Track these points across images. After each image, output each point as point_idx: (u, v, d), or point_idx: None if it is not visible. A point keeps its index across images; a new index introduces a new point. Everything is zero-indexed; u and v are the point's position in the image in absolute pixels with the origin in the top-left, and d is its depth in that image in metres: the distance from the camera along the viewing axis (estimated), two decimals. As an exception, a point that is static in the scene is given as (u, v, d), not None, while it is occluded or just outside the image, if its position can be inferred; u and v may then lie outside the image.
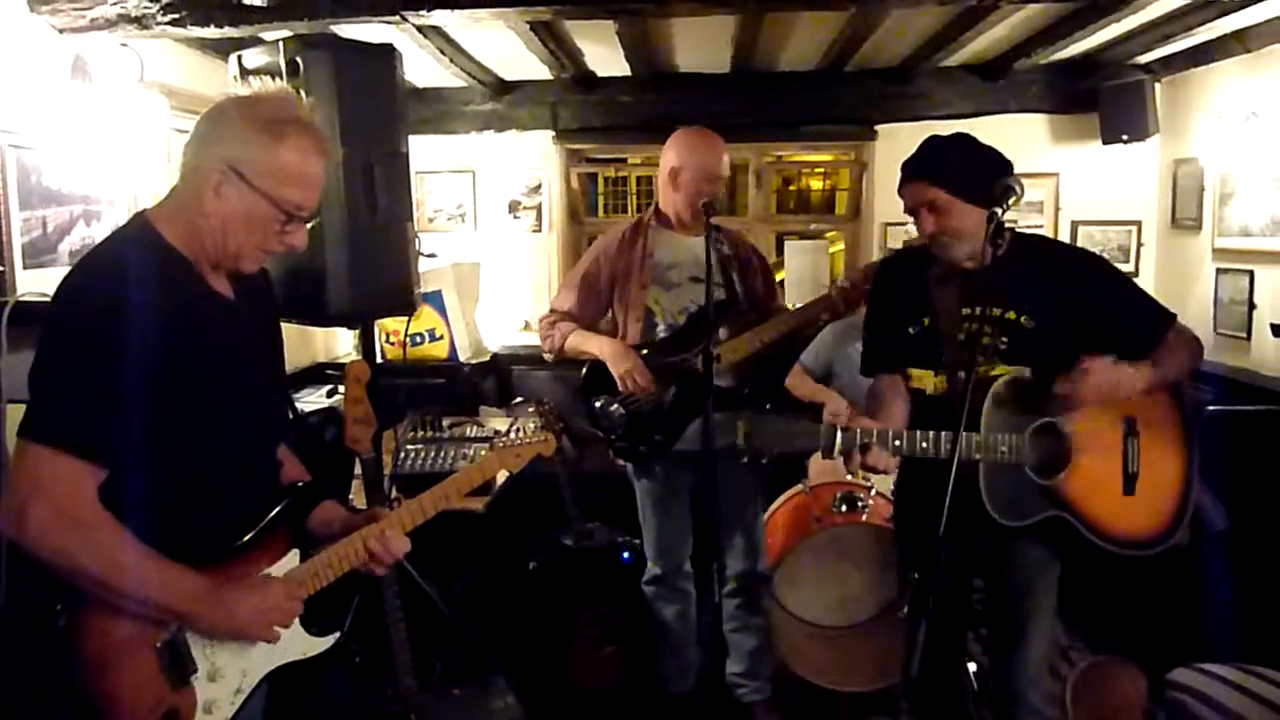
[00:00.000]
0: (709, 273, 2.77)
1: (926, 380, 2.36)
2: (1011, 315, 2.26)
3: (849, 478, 3.76)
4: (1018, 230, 2.41)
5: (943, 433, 2.12)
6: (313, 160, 1.72)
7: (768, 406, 3.14)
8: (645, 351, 3.07)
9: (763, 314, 3.15)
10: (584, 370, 3.17)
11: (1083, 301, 2.26)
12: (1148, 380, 2.22)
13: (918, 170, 2.27)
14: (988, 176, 2.18)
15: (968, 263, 2.28)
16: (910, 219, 2.32)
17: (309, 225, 1.78)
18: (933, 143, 2.31)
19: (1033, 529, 2.24)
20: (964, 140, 2.30)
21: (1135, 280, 2.38)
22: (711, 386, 2.63)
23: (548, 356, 3.27)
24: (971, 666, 3.28)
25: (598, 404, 3.09)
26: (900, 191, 2.31)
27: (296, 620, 1.79)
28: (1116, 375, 2.18)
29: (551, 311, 3.28)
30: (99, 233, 3.26)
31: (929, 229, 2.26)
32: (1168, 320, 2.32)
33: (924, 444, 2.13)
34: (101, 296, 1.57)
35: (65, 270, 3.03)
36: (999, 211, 2.04)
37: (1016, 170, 2.28)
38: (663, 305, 3.10)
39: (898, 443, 2.13)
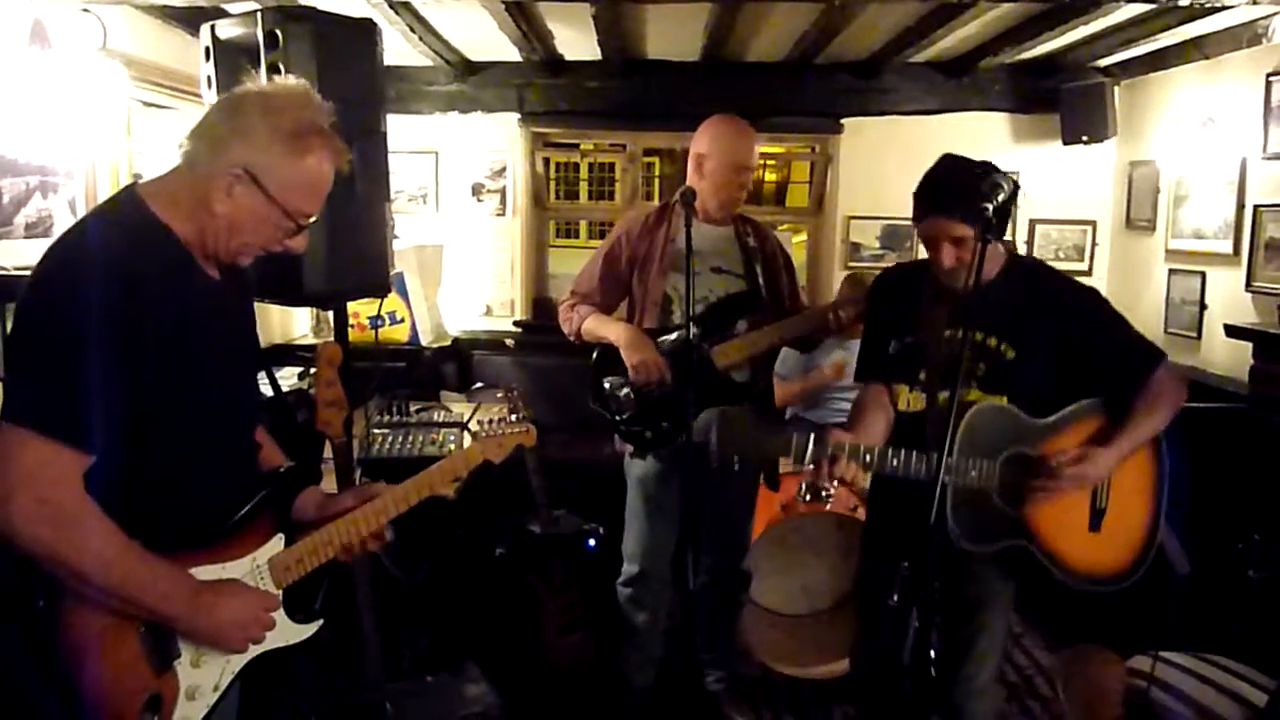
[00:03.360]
0: (687, 266, 2.72)
1: (903, 397, 2.35)
2: (993, 342, 2.24)
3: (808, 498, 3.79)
4: (1017, 255, 2.39)
5: (913, 452, 2.12)
6: (329, 171, 1.70)
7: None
8: (660, 338, 3.01)
9: (781, 311, 3.10)
10: (596, 353, 3.09)
11: (1067, 336, 2.24)
12: (1132, 448, 2.22)
13: (946, 204, 2.14)
14: (1008, 212, 2.07)
15: (960, 285, 2.21)
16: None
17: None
18: (960, 172, 2.15)
19: (994, 555, 2.25)
20: (990, 171, 2.11)
21: (1123, 316, 2.34)
22: (694, 377, 2.62)
23: (573, 339, 3.19)
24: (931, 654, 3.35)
25: (608, 385, 3.03)
26: (920, 221, 2.20)
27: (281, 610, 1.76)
28: (1109, 463, 2.19)
29: (572, 294, 3.20)
30: (55, 205, 3.15)
31: (949, 263, 2.16)
32: (1154, 360, 2.28)
33: (894, 462, 2.13)
34: (90, 274, 1.50)
35: (21, 243, 2.98)
36: (989, 239, 1.95)
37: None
38: (681, 293, 2.96)
39: (868, 458, 2.13)
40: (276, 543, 1.78)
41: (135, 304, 1.51)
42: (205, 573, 1.66)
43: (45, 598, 1.52)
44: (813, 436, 2.12)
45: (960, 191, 2.12)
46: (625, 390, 3.01)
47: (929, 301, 2.31)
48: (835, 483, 2.17)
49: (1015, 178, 2.19)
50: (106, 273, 1.51)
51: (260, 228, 1.66)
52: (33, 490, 1.44)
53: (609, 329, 3.06)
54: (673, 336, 2.99)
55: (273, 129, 1.62)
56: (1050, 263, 4.91)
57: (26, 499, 1.44)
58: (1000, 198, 2.00)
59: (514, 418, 2.22)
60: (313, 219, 1.73)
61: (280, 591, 1.77)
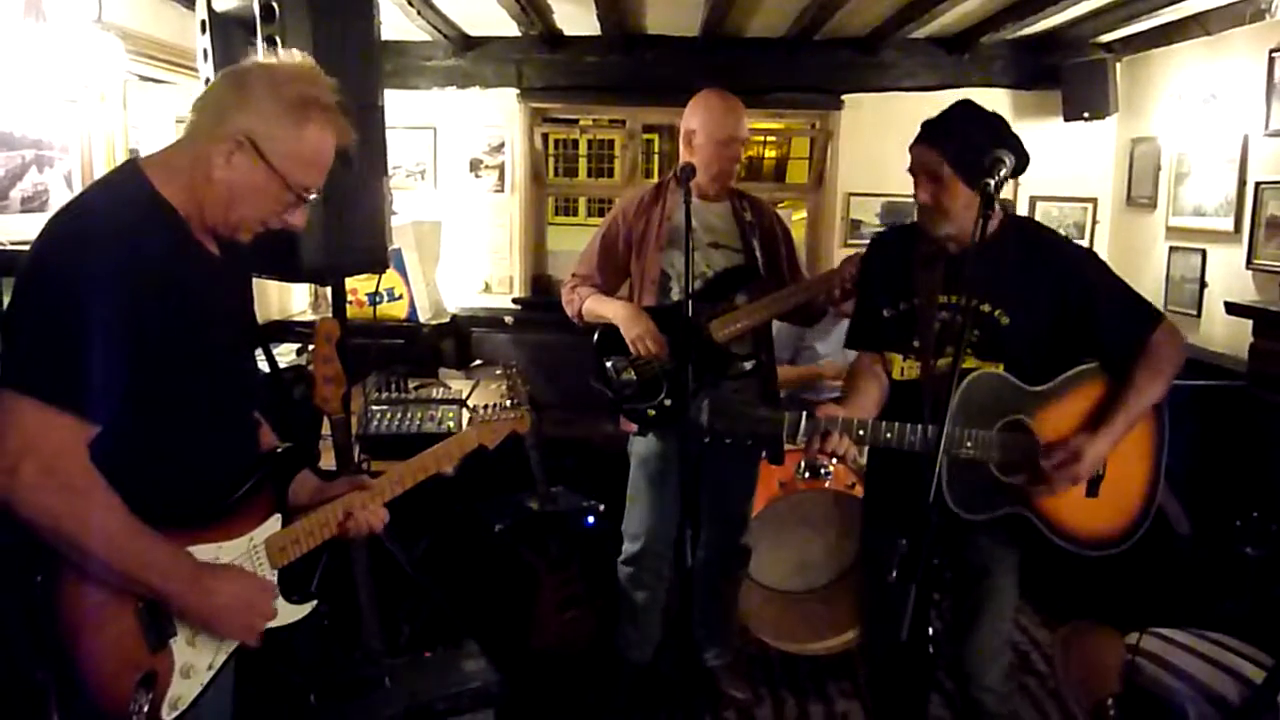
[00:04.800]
0: (686, 243, 2.70)
1: (897, 364, 2.34)
2: (987, 308, 2.21)
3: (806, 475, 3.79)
4: (1013, 215, 2.35)
5: (907, 424, 2.11)
6: (331, 144, 1.69)
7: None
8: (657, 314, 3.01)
9: (781, 284, 3.10)
10: (597, 332, 3.10)
11: (1063, 299, 2.21)
12: (1132, 421, 2.18)
13: (931, 134, 2.20)
14: (995, 167, 2.03)
15: (952, 246, 2.23)
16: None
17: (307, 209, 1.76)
18: (960, 113, 2.23)
19: (993, 520, 2.23)
20: (990, 119, 2.20)
21: (1120, 278, 2.28)
22: (693, 351, 2.61)
23: (576, 320, 3.20)
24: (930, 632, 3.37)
25: (609, 364, 3.04)
26: (911, 148, 2.24)
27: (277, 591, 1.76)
28: (1104, 447, 2.15)
29: (573, 276, 3.22)
30: (51, 179, 3.13)
31: (923, 198, 2.21)
32: (1153, 321, 2.25)
33: (888, 434, 2.12)
34: (94, 246, 1.50)
35: (17, 217, 2.96)
36: (990, 183, 1.96)
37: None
38: (679, 269, 2.97)
39: (861, 432, 2.12)
40: (274, 523, 1.78)
41: (134, 275, 1.51)
42: (202, 551, 1.66)
43: (43, 572, 1.51)
44: (804, 414, 2.11)
45: (949, 129, 2.19)
46: (627, 370, 3.02)
47: (921, 265, 2.29)
48: (831, 459, 2.16)
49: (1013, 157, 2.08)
50: (107, 244, 1.51)
51: (259, 199, 1.66)
52: (39, 459, 1.44)
53: (608, 307, 3.07)
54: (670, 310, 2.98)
55: (276, 98, 1.62)
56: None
57: (33, 468, 1.44)
58: (988, 149, 1.99)
59: (510, 403, 2.23)
60: (313, 194, 1.72)
61: (276, 575, 1.76)
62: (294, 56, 1.74)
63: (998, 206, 2.17)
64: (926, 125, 2.23)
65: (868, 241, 2.70)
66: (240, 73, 1.68)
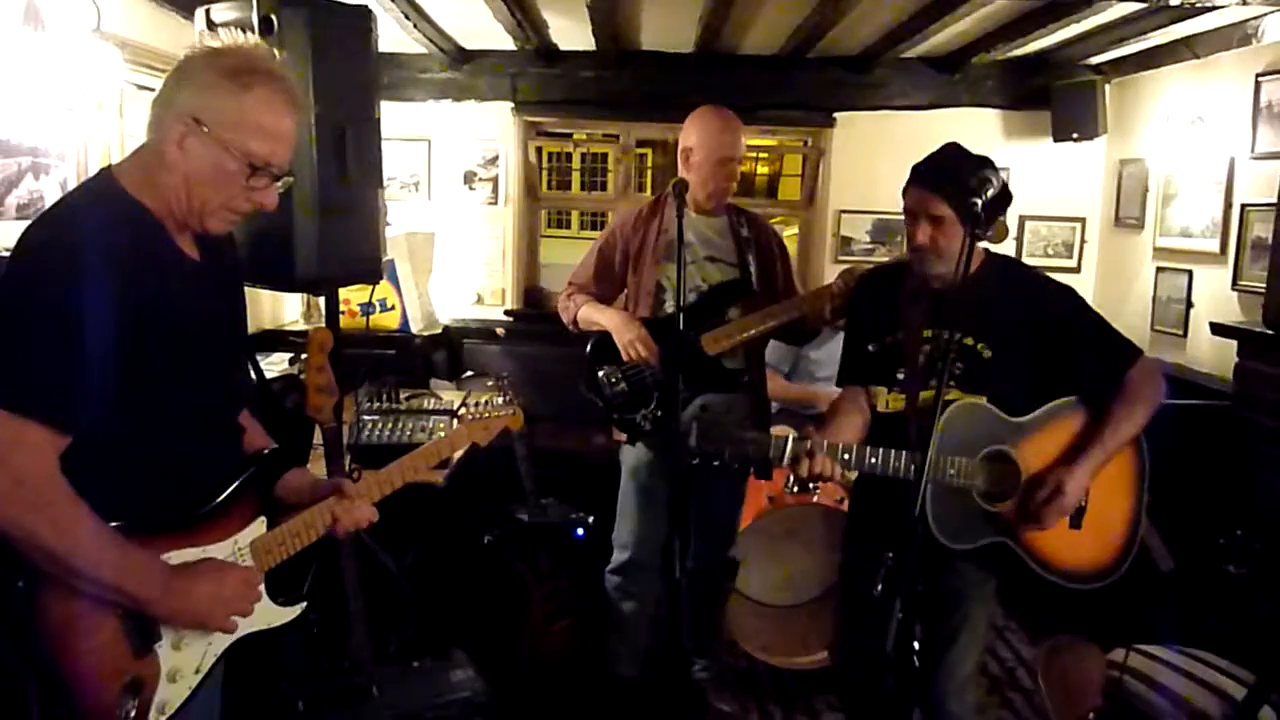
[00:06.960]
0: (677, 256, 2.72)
1: (882, 397, 2.37)
2: (970, 341, 2.25)
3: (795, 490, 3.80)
4: (992, 252, 2.39)
5: (891, 450, 2.15)
6: (281, 112, 1.63)
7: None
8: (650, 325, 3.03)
9: (775, 300, 3.12)
10: (590, 341, 3.13)
11: (1043, 335, 2.26)
12: (1109, 454, 2.23)
13: (934, 180, 2.21)
14: (992, 209, 2.10)
15: (937, 282, 2.27)
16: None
17: (282, 187, 1.71)
18: (956, 157, 2.23)
19: (976, 549, 2.26)
20: (985, 165, 2.20)
21: (1100, 314, 2.37)
22: (682, 364, 2.63)
23: (571, 327, 3.23)
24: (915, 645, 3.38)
25: (601, 374, 3.07)
26: (906, 191, 2.26)
27: (263, 591, 1.75)
28: (1084, 479, 2.20)
29: (570, 284, 3.26)
30: (47, 186, 3.14)
31: (922, 240, 2.22)
32: (1131, 356, 2.30)
33: (873, 460, 2.15)
34: (66, 253, 1.49)
35: (12, 224, 2.97)
36: (979, 233, 1.99)
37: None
38: (674, 282, 2.95)
39: (847, 456, 2.16)
40: (259, 525, 1.77)
41: (103, 281, 1.49)
42: (186, 554, 1.64)
43: (24, 578, 1.50)
44: (791, 437, 2.15)
45: (949, 174, 2.21)
46: (618, 379, 3.05)
47: (907, 300, 2.33)
48: (815, 482, 2.19)
49: (1006, 178, 2.19)
50: (74, 251, 1.49)
51: (218, 179, 1.61)
52: (10, 470, 1.43)
53: (602, 315, 3.11)
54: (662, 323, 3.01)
55: (215, 70, 1.59)
56: (1039, 260, 4.91)
57: (4, 480, 1.43)
58: (988, 192, 2.04)
59: (501, 400, 2.22)
60: (276, 169, 1.65)
61: (263, 578, 1.75)
62: (240, 38, 1.69)
63: (980, 247, 2.26)
64: (924, 170, 2.24)
65: (856, 257, 2.73)
66: (184, 59, 1.64)
